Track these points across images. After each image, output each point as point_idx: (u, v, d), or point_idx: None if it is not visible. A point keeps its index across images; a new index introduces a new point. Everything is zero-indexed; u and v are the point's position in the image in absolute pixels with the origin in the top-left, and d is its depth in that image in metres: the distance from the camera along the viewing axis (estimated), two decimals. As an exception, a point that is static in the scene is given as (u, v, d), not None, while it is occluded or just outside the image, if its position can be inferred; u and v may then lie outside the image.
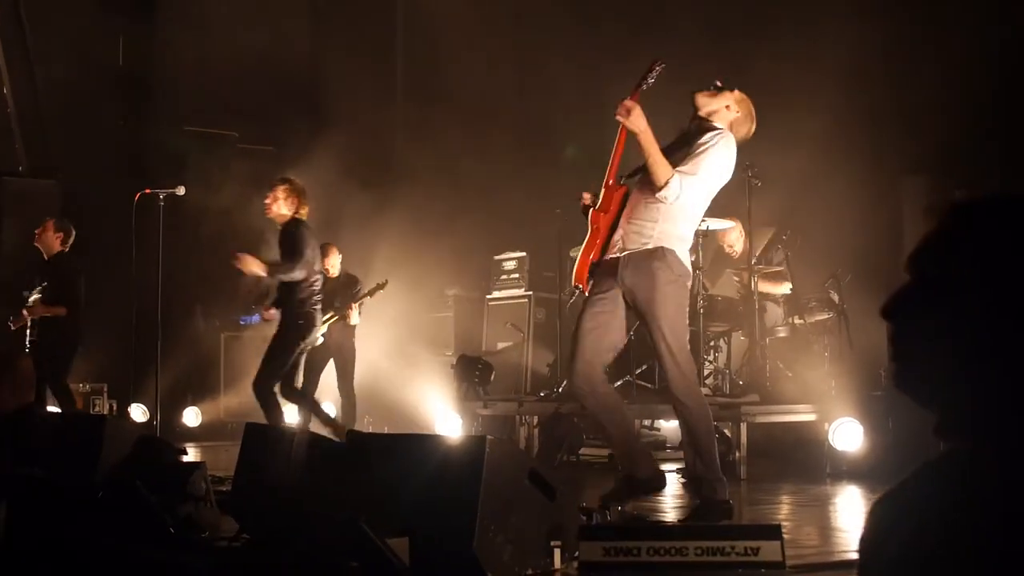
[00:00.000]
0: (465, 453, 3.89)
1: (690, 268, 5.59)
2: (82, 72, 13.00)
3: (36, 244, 10.21)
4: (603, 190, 5.58)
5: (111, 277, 12.23)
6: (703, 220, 8.39)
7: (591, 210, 5.60)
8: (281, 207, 8.43)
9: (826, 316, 9.42)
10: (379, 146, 12.07)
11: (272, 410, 8.19)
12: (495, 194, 11.57)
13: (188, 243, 13.03)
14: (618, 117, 5.35)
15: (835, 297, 9.37)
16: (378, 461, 4.18)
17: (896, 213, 9.81)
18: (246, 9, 12.32)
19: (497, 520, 3.76)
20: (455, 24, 12.38)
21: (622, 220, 5.51)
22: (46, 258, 10.23)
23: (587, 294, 5.62)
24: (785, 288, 9.38)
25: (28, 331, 10.05)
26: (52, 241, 10.19)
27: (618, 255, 5.49)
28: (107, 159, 13.52)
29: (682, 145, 5.52)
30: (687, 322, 5.57)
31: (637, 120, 5.31)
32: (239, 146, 14.52)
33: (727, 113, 5.61)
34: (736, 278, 9.32)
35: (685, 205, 5.44)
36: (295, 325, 8.34)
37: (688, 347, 5.53)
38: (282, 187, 8.49)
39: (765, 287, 9.24)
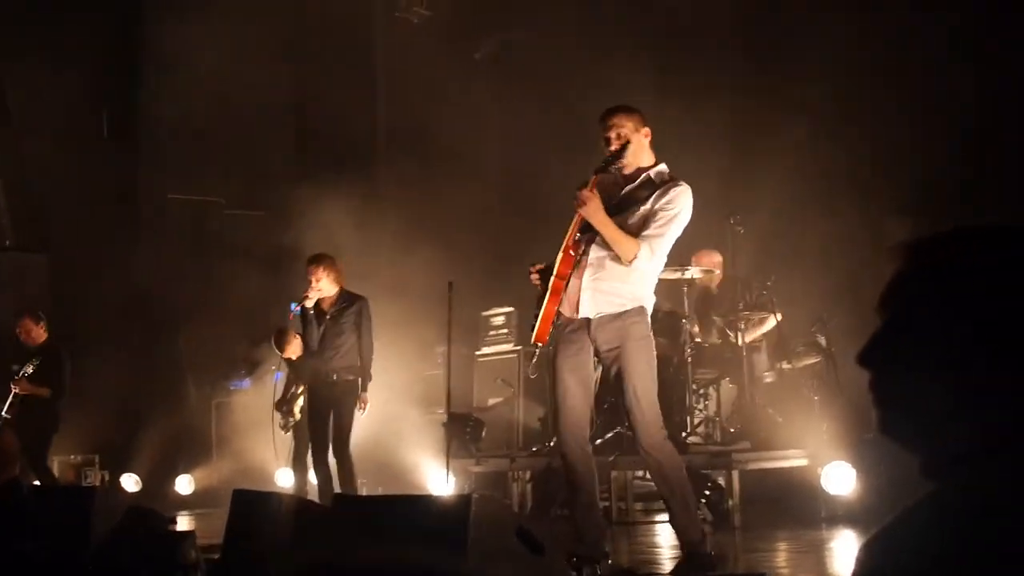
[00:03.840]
0: (451, 512, 3.89)
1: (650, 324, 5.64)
2: (68, 146, 13.07)
3: (23, 340, 10.47)
4: (560, 255, 5.60)
5: (101, 347, 12.27)
6: (686, 269, 8.48)
7: (548, 275, 5.63)
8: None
9: (814, 360, 9.41)
10: (365, 204, 12.12)
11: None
12: (481, 248, 11.61)
13: (179, 310, 13.06)
14: (578, 208, 5.45)
15: (822, 340, 9.36)
16: (365, 524, 4.18)
17: (880, 255, 9.81)
18: (227, 76, 12.40)
19: (485, 578, 3.76)
20: (432, 79, 12.47)
21: (587, 280, 5.52)
22: (35, 347, 10.48)
23: (557, 351, 5.64)
24: (769, 324, 9.37)
25: (9, 408, 10.19)
26: (38, 333, 10.59)
27: (590, 316, 5.53)
28: (96, 230, 13.56)
29: (637, 200, 5.53)
30: (655, 376, 5.58)
31: (595, 211, 5.40)
32: (227, 212, 14.56)
33: (642, 142, 5.63)
34: (718, 323, 9.35)
35: (655, 264, 5.52)
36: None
37: (656, 401, 5.53)
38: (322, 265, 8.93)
39: (750, 334, 9.25)
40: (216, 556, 5.34)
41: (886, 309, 1.56)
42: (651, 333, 5.52)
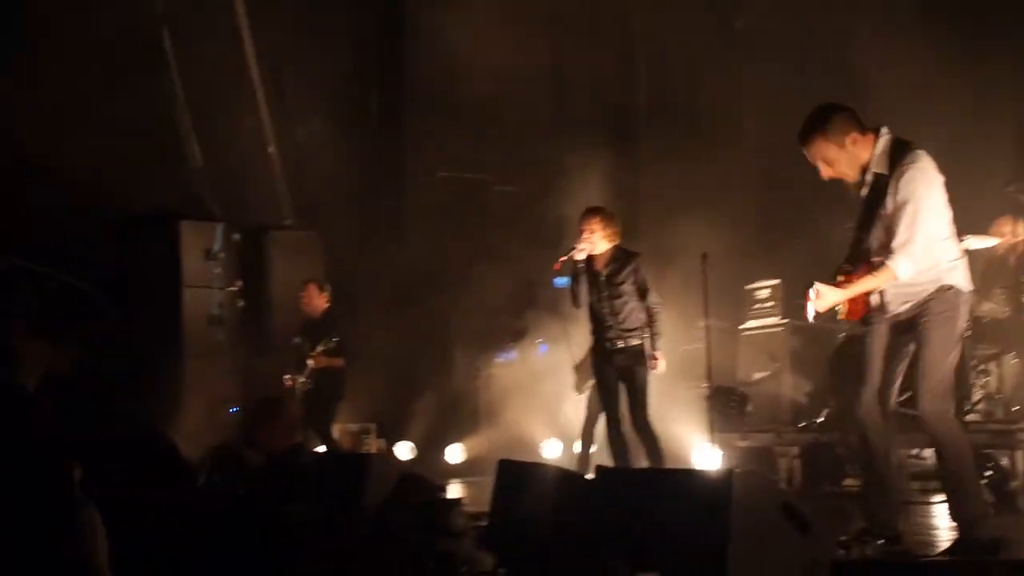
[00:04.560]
0: (713, 487, 3.84)
1: (968, 285, 5.39)
2: (339, 126, 13.62)
3: (303, 307, 10.92)
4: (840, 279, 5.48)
5: (374, 320, 12.75)
6: (963, 239, 8.04)
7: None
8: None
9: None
10: (626, 175, 12.09)
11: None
12: (745, 219, 11.39)
13: (445, 284, 13.41)
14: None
15: (1116, 313, 8.78)
16: (626, 497, 4.17)
17: None
18: (489, 53, 12.60)
19: (748, 555, 3.69)
20: (692, 48, 12.30)
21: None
22: (314, 318, 10.90)
23: (869, 326, 5.50)
24: None
25: (301, 386, 10.70)
26: (319, 302, 10.94)
27: (896, 312, 5.38)
28: (367, 207, 14.10)
29: (877, 204, 5.30)
30: (955, 352, 5.35)
31: (832, 301, 5.33)
32: (493, 188, 14.84)
33: (851, 149, 5.31)
34: (1003, 295, 8.84)
35: (929, 248, 5.27)
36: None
37: (947, 375, 5.31)
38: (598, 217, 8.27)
39: None
40: (483, 523, 5.47)
41: None
42: (954, 309, 5.29)
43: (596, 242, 8.21)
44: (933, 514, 7.66)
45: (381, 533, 5.04)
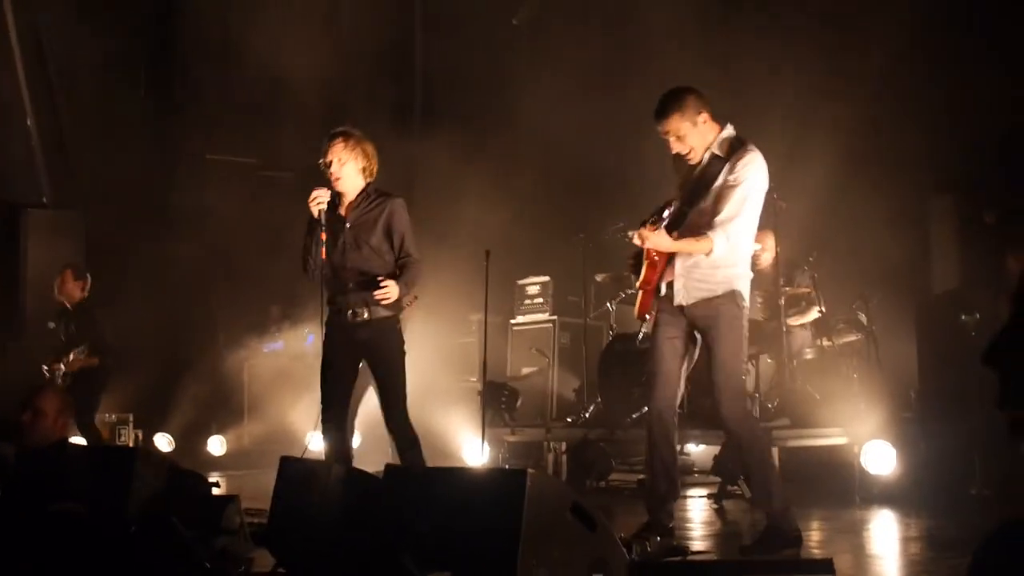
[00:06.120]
0: (505, 486, 3.85)
1: (748, 298, 5.60)
2: (105, 103, 13.08)
3: (57, 295, 10.32)
4: (645, 262, 5.58)
5: (135, 307, 12.29)
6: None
7: (639, 263, 5.63)
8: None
9: (854, 338, 9.36)
10: (399, 170, 12.06)
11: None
12: (518, 219, 11.54)
13: (211, 271, 13.08)
14: (642, 247, 5.48)
15: (863, 318, 9.31)
16: (416, 495, 4.14)
17: (924, 233, 9.73)
18: (266, 38, 12.36)
19: (538, 553, 3.72)
20: (474, 44, 12.37)
21: (680, 268, 5.51)
22: (69, 306, 10.34)
23: (656, 322, 5.63)
24: (811, 315, 9.29)
25: (61, 377, 10.18)
26: (73, 290, 10.35)
27: (684, 304, 5.51)
28: (130, 189, 13.58)
29: (708, 181, 5.47)
30: (744, 354, 5.58)
31: (657, 243, 5.40)
32: (261, 173, 14.55)
33: (702, 128, 5.50)
34: (760, 300, 9.25)
35: (739, 241, 5.45)
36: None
37: (741, 377, 5.55)
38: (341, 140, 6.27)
39: (792, 319, 9.15)
40: (255, 520, 5.33)
41: (1017, 306, 1.56)
42: (741, 313, 5.49)
43: (344, 177, 6.22)
44: (688, 508, 7.95)
45: (153, 530, 4.84)
